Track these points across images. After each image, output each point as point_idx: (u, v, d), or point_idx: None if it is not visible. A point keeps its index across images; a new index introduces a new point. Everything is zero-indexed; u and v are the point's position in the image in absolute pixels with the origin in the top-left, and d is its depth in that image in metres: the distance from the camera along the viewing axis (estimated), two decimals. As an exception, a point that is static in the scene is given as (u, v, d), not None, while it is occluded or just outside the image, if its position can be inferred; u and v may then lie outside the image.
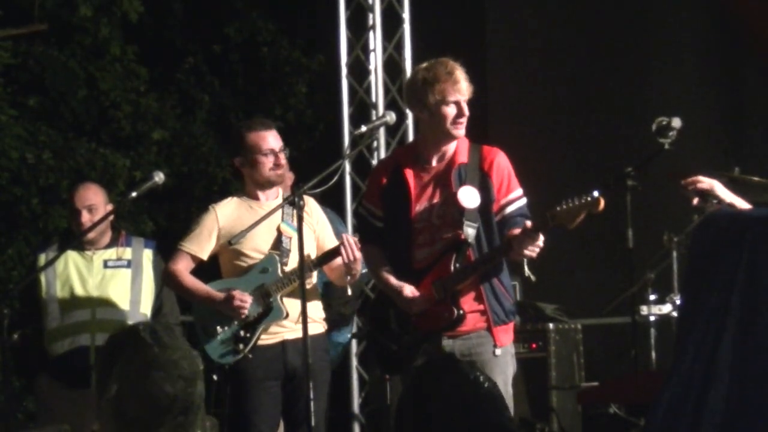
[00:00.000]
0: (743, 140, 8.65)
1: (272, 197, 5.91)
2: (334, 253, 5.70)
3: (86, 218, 6.12)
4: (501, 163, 5.22)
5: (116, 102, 11.49)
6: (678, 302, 6.77)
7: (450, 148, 5.23)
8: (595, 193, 4.94)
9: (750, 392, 3.31)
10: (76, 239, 6.11)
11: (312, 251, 5.83)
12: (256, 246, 5.81)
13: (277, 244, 5.83)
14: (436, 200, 5.19)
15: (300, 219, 5.27)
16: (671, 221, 7.25)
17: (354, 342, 8.44)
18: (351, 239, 5.62)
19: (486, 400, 2.97)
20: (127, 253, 6.21)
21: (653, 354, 7.10)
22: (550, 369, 7.63)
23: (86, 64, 11.39)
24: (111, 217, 6.18)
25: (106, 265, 6.16)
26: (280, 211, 5.79)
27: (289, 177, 6.62)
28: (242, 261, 5.84)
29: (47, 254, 6.15)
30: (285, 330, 5.76)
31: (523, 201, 5.21)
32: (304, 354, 5.21)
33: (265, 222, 5.67)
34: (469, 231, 5.11)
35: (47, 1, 10.84)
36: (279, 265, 5.79)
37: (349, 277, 5.76)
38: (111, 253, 6.19)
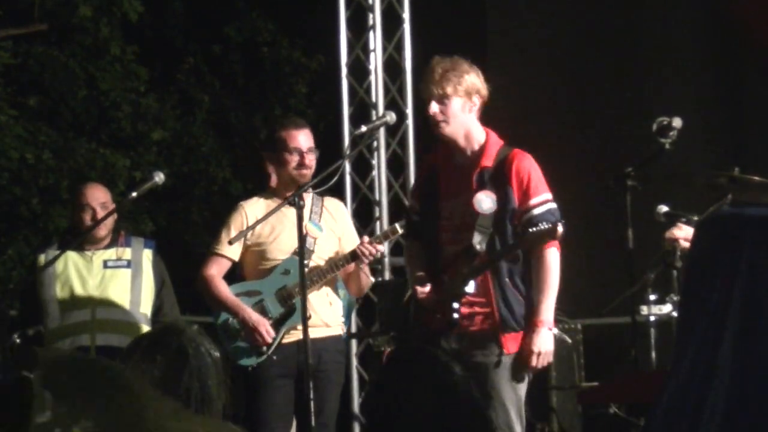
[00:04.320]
0: (743, 140, 8.64)
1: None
2: (356, 254, 5.73)
3: (101, 215, 6.12)
4: (522, 167, 5.15)
5: (116, 102, 11.50)
6: (678, 302, 6.76)
7: (476, 146, 5.21)
8: (558, 223, 4.96)
9: (750, 392, 3.30)
10: (82, 236, 6.09)
11: (332, 254, 5.85)
12: (282, 247, 5.78)
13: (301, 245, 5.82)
14: (459, 201, 5.17)
15: (300, 219, 5.27)
16: (671, 221, 7.25)
17: (354, 342, 8.45)
18: (366, 239, 5.73)
19: (457, 385, 2.96)
20: (127, 253, 6.20)
21: (653, 354, 7.09)
22: (550, 369, 7.61)
23: (86, 64, 11.40)
24: (114, 216, 6.19)
25: (105, 265, 6.14)
26: (308, 207, 5.77)
27: None
28: (266, 262, 5.81)
29: (47, 254, 6.15)
30: (301, 331, 5.75)
31: (548, 206, 5.13)
32: (305, 354, 5.22)
33: (291, 223, 5.62)
34: (478, 237, 5.08)
35: (47, 1, 10.85)
36: None
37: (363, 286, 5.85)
38: (111, 254, 6.17)
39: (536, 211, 5.11)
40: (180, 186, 11.79)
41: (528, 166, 5.17)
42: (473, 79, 5.20)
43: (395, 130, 8.55)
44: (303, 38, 12.38)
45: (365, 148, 8.19)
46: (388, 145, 8.55)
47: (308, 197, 5.82)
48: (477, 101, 5.20)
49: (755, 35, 8.27)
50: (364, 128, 5.48)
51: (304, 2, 12.03)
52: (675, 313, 6.84)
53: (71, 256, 6.11)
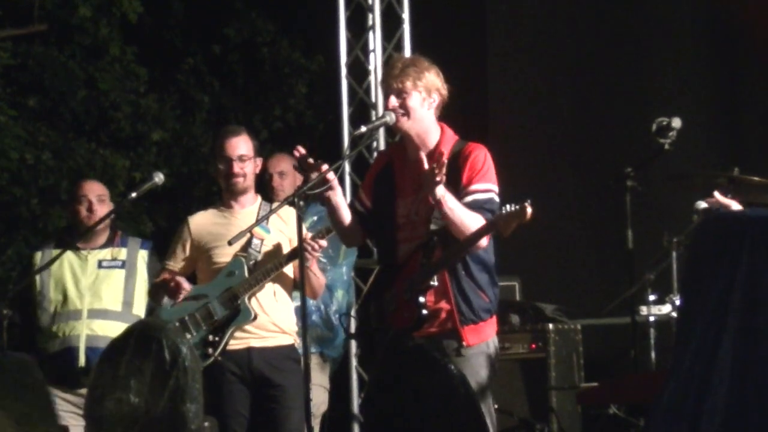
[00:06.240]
0: (743, 140, 8.64)
1: (248, 204, 5.99)
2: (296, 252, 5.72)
3: (98, 208, 6.13)
4: (475, 157, 5.10)
5: (116, 102, 11.49)
6: (678, 302, 6.76)
7: (432, 144, 5.21)
8: (526, 203, 4.82)
9: (750, 392, 3.31)
10: (88, 231, 6.08)
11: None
12: (227, 250, 5.84)
13: (246, 246, 5.85)
14: (417, 197, 5.17)
15: (299, 220, 5.28)
16: (671, 221, 7.24)
17: (353, 342, 8.44)
18: (309, 234, 5.69)
19: (455, 385, 2.96)
20: (122, 253, 6.20)
21: (653, 354, 7.09)
22: (550, 369, 7.62)
23: (86, 65, 11.39)
24: (112, 216, 6.20)
25: (100, 265, 6.14)
26: (255, 213, 5.85)
27: (299, 179, 6.67)
28: (213, 266, 5.88)
29: (44, 252, 6.14)
30: (251, 336, 5.79)
31: (489, 195, 5.04)
32: (304, 354, 5.19)
33: (238, 226, 5.70)
34: (435, 228, 5.08)
35: (47, 1, 10.85)
36: (245, 268, 5.82)
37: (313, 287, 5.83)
38: (106, 253, 6.17)
39: (475, 196, 5.04)
40: (180, 186, 11.78)
41: (483, 157, 5.12)
42: (432, 77, 5.20)
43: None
44: (303, 38, 12.36)
45: (365, 148, 8.18)
46: (388, 146, 8.54)
47: (256, 204, 5.98)
48: (436, 98, 5.20)
49: (755, 35, 8.26)
50: (363, 128, 5.47)
51: (304, 2, 12.02)
52: (675, 313, 6.84)
53: (67, 254, 6.09)
